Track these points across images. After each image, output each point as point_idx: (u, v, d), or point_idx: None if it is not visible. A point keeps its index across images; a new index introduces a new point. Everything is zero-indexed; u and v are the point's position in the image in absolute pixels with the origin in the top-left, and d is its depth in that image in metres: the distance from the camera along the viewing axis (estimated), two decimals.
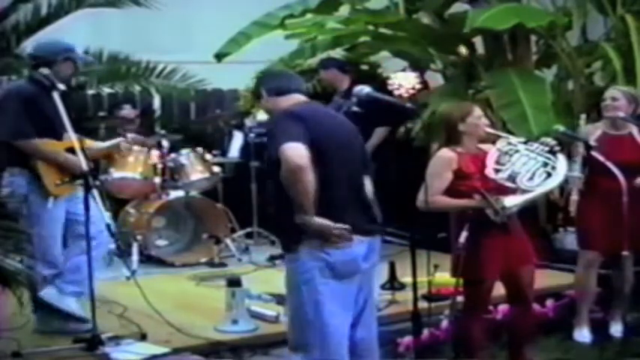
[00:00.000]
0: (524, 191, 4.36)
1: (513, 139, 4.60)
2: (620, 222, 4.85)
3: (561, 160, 4.47)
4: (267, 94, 3.87)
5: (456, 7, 8.09)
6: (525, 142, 4.56)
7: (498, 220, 4.37)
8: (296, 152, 3.44)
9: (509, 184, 4.36)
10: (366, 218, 3.74)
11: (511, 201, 4.33)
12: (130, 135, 6.11)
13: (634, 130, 5.34)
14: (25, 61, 5.22)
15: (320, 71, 7.80)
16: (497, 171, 4.40)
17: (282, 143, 3.46)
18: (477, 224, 4.40)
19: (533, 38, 7.82)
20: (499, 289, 4.73)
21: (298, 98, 3.82)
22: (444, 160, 4.56)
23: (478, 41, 7.95)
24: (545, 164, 4.43)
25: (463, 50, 7.87)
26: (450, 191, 4.49)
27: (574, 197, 5.24)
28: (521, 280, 4.62)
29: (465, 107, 4.72)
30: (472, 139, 4.59)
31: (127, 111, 8.08)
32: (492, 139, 4.64)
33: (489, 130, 4.67)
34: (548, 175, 4.41)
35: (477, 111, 4.63)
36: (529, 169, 4.40)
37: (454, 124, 4.60)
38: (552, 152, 4.47)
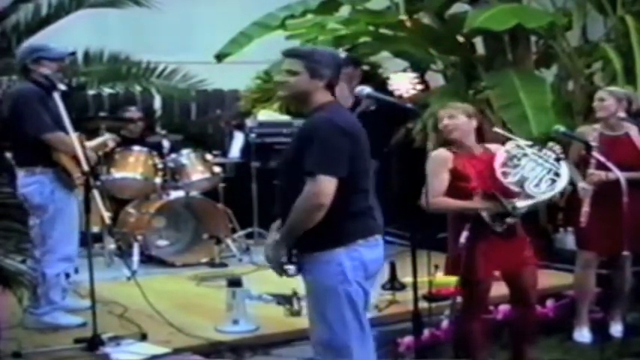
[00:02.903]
0: (527, 196, 4.36)
1: (522, 142, 4.59)
2: (619, 222, 4.84)
3: (564, 168, 4.47)
4: (319, 78, 3.60)
5: (457, 8, 8.09)
6: (532, 146, 4.55)
7: (497, 228, 4.37)
8: (327, 190, 3.42)
9: (515, 189, 4.36)
10: (377, 219, 3.75)
11: (521, 203, 4.34)
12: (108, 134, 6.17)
13: (631, 130, 5.34)
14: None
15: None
16: (505, 174, 4.39)
17: (321, 167, 3.42)
18: (477, 224, 4.41)
19: (533, 38, 7.83)
20: (499, 289, 4.74)
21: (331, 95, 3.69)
22: (437, 159, 4.58)
23: (478, 42, 7.96)
24: (550, 170, 4.43)
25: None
26: (451, 192, 4.50)
27: (585, 209, 5.21)
28: (524, 281, 4.62)
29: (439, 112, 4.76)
30: (461, 141, 4.59)
31: (132, 113, 8.09)
32: (502, 140, 4.64)
33: (498, 130, 4.67)
34: (553, 181, 4.41)
35: (440, 114, 4.66)
36: (537, 175, 4.39)
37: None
38: (557, 159, 4.47)
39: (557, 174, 4.43)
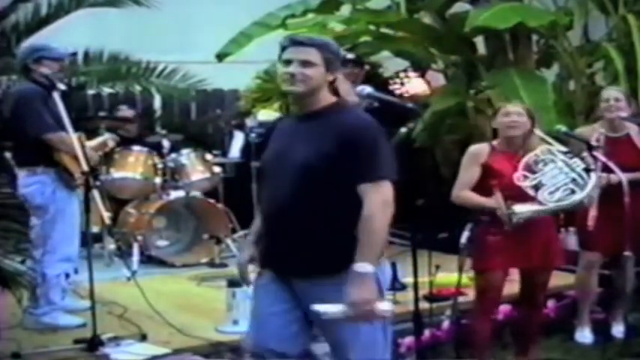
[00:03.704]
0: (540, 202, 4.34)
1: (555, 148, 4.54)
2: (621, 222, 4.82)
3: (592, 181, 4.43)
4: (331, 73, 3.24)
5: (458, 7, 8.08)
6: (566, 153, 4.50)
7: (507, 225, 4.34)
8: (391, 194, 3.13)
9: (531, 193, 4.34)
10: None
11: (521, 209, 4.31)
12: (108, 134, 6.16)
13: (631, 130, 5.32)
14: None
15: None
16: (524, 177, 4.37)
17: (387, 172, 3.13)
18: (495, 218, 4.39)
19: (534, 38, 7.81)
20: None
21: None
22: (471, 153, 4.59)
23: (479, 41, 7.94)
24: (574, 180, 4.40)
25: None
26: (480, 187, 4.48)
27: (593, 213, 5.18)
28: (535, 280, 4.61)
29: (500, 106, 4.72)
30: (505, 137, 4.55)
31: (124, 111, 8.05)
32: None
33: (538, 132, 4.64)
34: (572, 191, 4.38)
35: (504, 109, 4.59)
36: (555, 183, 4.37)
37: (491, 121, 4.66)
38: (587, 170, 4.44)
39: (579, 185, 4.39)
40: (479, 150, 4.58)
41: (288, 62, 3.19)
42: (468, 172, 4.53)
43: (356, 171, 3.08)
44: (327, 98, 3.23)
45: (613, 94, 5.37)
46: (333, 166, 3.08)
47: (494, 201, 4.36)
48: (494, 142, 4.58)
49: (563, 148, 4.57)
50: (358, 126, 3.15)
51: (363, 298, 2.99)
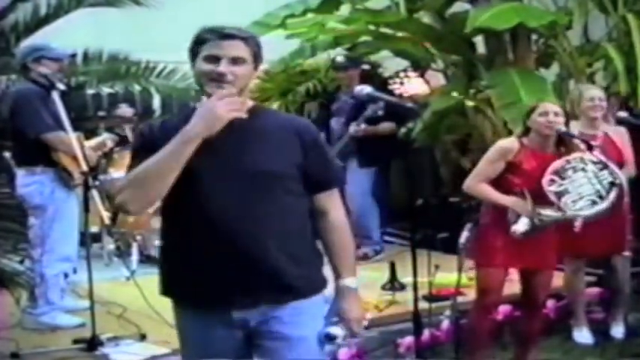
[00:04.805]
0: (559, 208, 4.32)
1: (587, 156, 4.47)
2: (609, 223, 4.77)
3: (612, 195, 4.40)
4: (256, 69, 2.82)
5: (457, 7, 8.06)
6: (596, 163, 4.43)
7: (517, 233, 4.32)
8: None
9: (553, 198, 4.32)
10: None
11: (546, 212, 4.31)
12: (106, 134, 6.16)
13: (610, 130, 5.32)
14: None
15: (340, 71, 7.75)
16: (552, 181, 4.33)
17: (339, 178, 3.09)
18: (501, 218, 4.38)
19: (534, 37, 7.80)
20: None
21: None
22: (501, 148, 4.51)
23: (479, 41, 7.93)
24: (598, 191, 4.37)
25: None
26: (495, 180, 4.45)
27: None
28: (537, 281, 4.59)
29: (536, 104, 4.65)
30: (539, 136, 4.48)
31: (123, 109, 8.03)
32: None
33: (562, 132, 4.58)
34: (593, 203, 4.36)
35: (542, 108, 4.51)
36: (580, 192, 4.34)
37: (524, 119, 4.58)
38: (612, 184, 4.40)
39: (601, 197, 4.36)
40: (510, 146, 4.48)
41: (214, 59, 2.66)
42: (493, 166, 4.46)
43: (321, 178, 2.81)
44: (249, 101, 2.79)
45: (597, 94, 5.36)
46: (301, 174, 2.74)
47: (512, 200, 4.34)
48: (524, 139, 4.49)
49: (594, 158, 4.48)
50: (312, 130, 2.83)
51: (361, 313, 2.87)
